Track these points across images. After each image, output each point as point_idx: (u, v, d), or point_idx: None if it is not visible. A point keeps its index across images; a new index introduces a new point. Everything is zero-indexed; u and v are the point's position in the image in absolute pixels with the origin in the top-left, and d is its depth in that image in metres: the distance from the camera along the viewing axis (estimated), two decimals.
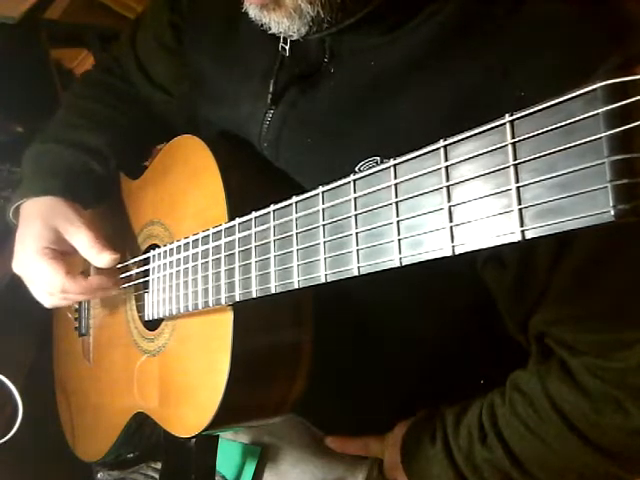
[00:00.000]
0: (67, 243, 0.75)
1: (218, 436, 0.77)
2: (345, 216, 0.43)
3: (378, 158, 0.58)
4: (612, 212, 0.28)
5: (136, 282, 0.78)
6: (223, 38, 0.74)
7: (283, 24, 0.55)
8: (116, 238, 0.85)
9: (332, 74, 0.63)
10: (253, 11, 0.56)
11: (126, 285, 0.80)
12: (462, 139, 0.35)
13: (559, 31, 0.51)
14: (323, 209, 0.44)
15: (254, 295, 0.52)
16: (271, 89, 0.65)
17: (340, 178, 0.43)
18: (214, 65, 0.75)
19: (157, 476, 0.84)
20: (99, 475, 0.90)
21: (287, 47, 0.65)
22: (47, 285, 0.74)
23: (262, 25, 0.57)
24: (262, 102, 0.67)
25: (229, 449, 0.83)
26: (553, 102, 0.30)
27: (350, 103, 0.62)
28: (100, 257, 0.72)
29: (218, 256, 0.58)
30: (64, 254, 0.75)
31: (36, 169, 0.81)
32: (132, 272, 0.79)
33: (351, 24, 0.56)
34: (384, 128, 0.59)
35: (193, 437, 0.69)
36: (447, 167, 0.35)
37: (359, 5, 0.55)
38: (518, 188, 0.32)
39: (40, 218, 0.75)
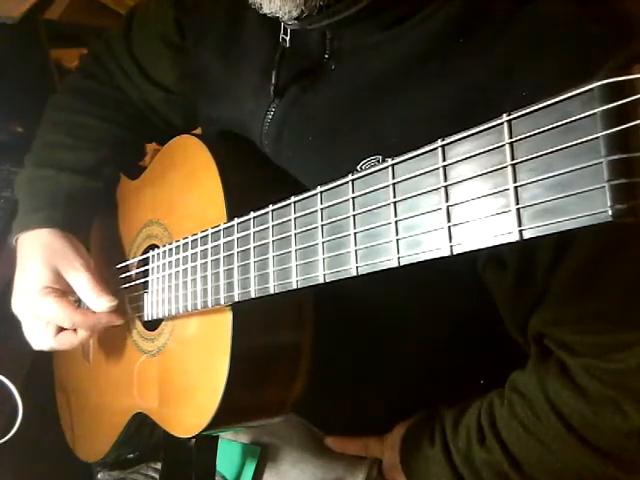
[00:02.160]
0: (66, 282, 0.74)
1: (218, 436, 0.77)
2: (343, 216, 0.43)
3: (380, 157, 0.58)
4: (610, 212, 0.27)
5: (136, 282, 0.78)
6: (226, 35, 0.73)
7: (275, 3, 0.54)
8: (115, 238, 0.85)
9: (333, 71, 0.63)
10: None
11: (126, 285, 0.80)
12: (460, 139, 0.35)
13: (561, 31, 0.51)
14: (321, 209, 0.44)
15: (253, 295, 0.52)
16: (273, 80, 0.65)
17: (341, 177, 0.43)
18: (216, 62, 0.75)
19: (157, 476, 0.84)
20: (99, 475, 0.90)
21: (287, 38, 0.64)
22: (54, 322, 0.73)
23: (253, 5, 0.56)
24: (264, 98, 0.67)
25: (229, 449, 0.83)
26: (550, 101, 0.30)
27: (351, 101, 0.61)
28: (98, 302, 0.72)
29: (217, 256, 0.57)
30: (64, 293, 0.74)
31: (32, 198, 0.80)
32: (131, 272, 0.79)
33: (350, 16, 0.56)
34: (385, 127, 0.58)
35: (193, 437, 0.69)
36: (445, 167, 0.35)
37: None
38: (516, 188, 0.32)
39: (39, 257, 0.74)
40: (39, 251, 0.75)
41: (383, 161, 0.40)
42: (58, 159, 0.81)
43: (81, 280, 0.73)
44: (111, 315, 0.74)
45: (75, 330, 0.74)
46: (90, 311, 0.74)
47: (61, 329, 0.74)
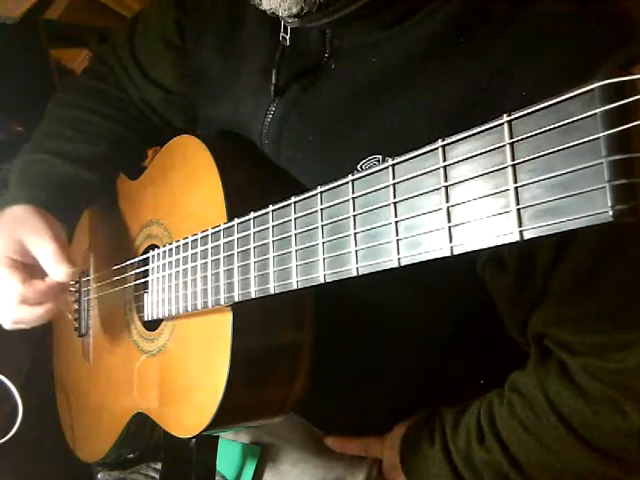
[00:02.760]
0: (30, 255, 0.72)
1: (218, 436, 0.77)
2: (344, 216, 0.43)
3: (380, 156, 0.58)
4: (610, 212, 0.28)
5: (136, 282, 0.78)
6: (225, 35, 0.74)
7: (274, 1, 0.54)
8: (115, 238, 0.85)
9: (333, 70, 0.63)
10: None
11: (126, 285, 0.80)
12: (460, 139, 0.35)
13: (560, 30, 0.51)
14: (322, 209, 0.44)
15: (253, 296, 0.52)
16: (273, 80, 0.65)
17: (341, 177, 0.43)
18: (216, 62, 0.75)
19: (157, 476, 0.84)
20: (99, 475, 0.90)
21: (287, 37, 0.64)
22: (9, 294, 0.71)
23: (252, 1, 0.56)
24: (264, 97, 0.67)
25: (229, 449, 0.83)
26: (551, 102, 0.30)
27: (351, 101, 0.61)
28: (57, 269, 0.70)
29: (217, 257, 0.57)
30: (27, 266, 0.72)
31: (23, 178, 0.79)
32: (132, 272, 0.79)
33: (350, 15, 0.56)
34: (385, 126, 0.58)
35: (193, 437, 0.69)
36: (445, 167, 0.35)
37: None
38: (516, 188, 0.32)
39: (8, 229, 0.73)
40: (9, 224, 0.73)
41: (383, 161, 0.40)
42: (56, 147, 0.82)
43: (44, 249, 0.71)
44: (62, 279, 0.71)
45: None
46: (38, 281, 0.71)
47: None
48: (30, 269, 0.72)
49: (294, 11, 0.54)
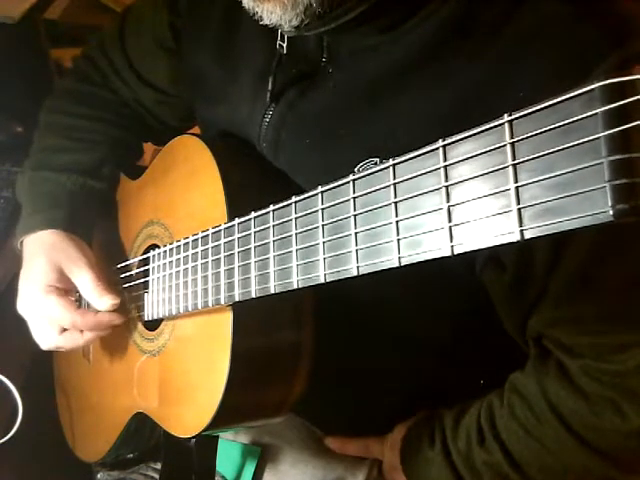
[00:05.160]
0: (70, 281, 0.75)
1: (218, 436, 0.77)
2: (344, 216, 0.43)
3: (377, 159, 0.58)
4: (611, 212, 0.28)
5: (136, 282, 0.78)
6: (222, 38, 0.73)
7: (275, 14, 0.54)
8: (116, 238, 0.85)
9: (331, 74, 0.63)
10: (246, 0, 0.56)
11: (126, 285, 0.80)
12: (461, 139, 0.35)
13: (558, 31, 0.51)
14: (322, 209, 0.45)
15: (253, 295, 0.53)
16: (270, 87, 0.65)
17: (339, 179, 0.43)
18: (213, 65, 0.75)
19: (157, 476, 0.84)
20: (99, 475, 0.90)
21: (284, 45, 0.64)
22: (57, 321, 0.73)
23: (254, 15, 0.56)
24: (260, 101, 0.67)
25: (229, 449, 0.83)
26: (552, 102, 0.30)
27: (349, 104, 0.61)
28: (101, 300, 0.72)
29: (218, 256, 0.58)
30: (67, 291, 0.75)
31: (34, 200, 0.80)
32: (132, 272, 0.79)
33: (348, 22, 0.56)
34: (383, 129, 0.58)
35: (193, 437, 0.69)
36: (446, 167, 0.35)
37: (354, 1, 0.55)
38: (517, 188, 0.32)
39: (43, 257, 0.74)
40: (43, 252, 0.75)
41: (380, 163, 0.40)
42: (58, 161, 0.82)
43: (84, 278, 0.73)
44: (112, 314, 0.74)
45: (81, 330, 0.74)
46: (91, 311, 0.74)
47: (66, 328, 0.74)
48: (69, 292, 0.76)
49: (295, 23, 0.54)
